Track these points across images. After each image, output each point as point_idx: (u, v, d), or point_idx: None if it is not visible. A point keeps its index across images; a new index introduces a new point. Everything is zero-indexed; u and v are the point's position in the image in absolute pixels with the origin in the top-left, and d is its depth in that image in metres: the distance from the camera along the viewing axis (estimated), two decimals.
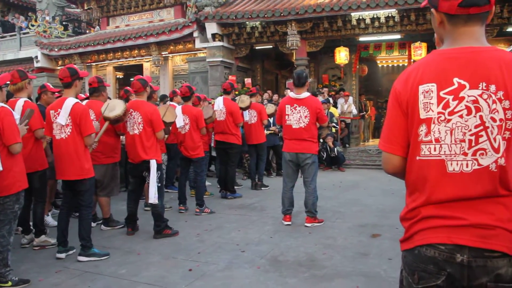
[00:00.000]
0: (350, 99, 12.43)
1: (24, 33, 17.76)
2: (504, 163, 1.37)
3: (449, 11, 1.44)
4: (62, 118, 4.09)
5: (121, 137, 5.51)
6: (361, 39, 12.85)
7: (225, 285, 3.51)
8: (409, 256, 1.49)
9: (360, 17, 11.39)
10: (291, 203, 5.42)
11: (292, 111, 5.20)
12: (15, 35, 18.05)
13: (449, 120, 1.40)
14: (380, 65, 16.48)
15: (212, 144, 7.79)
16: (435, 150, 1.43)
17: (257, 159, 8.10)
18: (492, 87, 1.37)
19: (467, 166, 1.39)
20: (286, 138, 5.36)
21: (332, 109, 11.28)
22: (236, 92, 10.89)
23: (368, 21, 11.34)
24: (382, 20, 11.20)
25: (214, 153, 8.10)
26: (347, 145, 11.98)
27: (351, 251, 4.30)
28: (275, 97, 11.48)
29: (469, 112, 1.38)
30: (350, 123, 12.24)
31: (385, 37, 12.46)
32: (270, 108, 8.45)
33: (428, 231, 1.43)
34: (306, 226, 5.24)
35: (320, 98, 10.91)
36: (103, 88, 5.33)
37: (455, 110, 1.40)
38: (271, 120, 8.72)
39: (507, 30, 11.02)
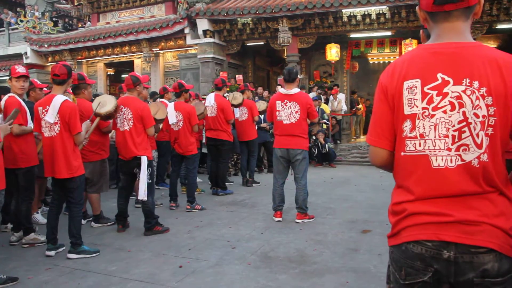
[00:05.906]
0: (340, 95, 12.43)
1: (13, 29, 17.53)
2: (487, 159, 1.36)
3: (426, 9, 1.46)
4: (50, 116, 4.04)
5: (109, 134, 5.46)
6: (352, 35, 12.89)
7: (215, 282, 3.51)
8: (396, 252, 1.49)
9: (351, 14, 11.41)
10: (282, 200, 5.43)
11: (283, 107, 5.21)
12: (3, 30, 17.80)
13: (433, 116, 1.41)
14: (371, 62, 16.52)
15: (204, 141, 7.78)
16: (420, 145, 1.43)
17: (248, 155, 8.10)
18: (476, 83, 1.37)
19: (451, 162, 1.39)
20: (277, 134, 5.36)
21: (323, 106, 11.31)
22: (228, 89, 10.87)
23: (359, 17, 11.37)
24: (373, 16, 11.25)
25: (205, 150, 8.08)
26: (338, 142, 12.04)
27: (342, 247, 4.32)
28: (266, 93, 11.47)
29: (453, 108, 1.39)
30: (341, 119, 12.27)
31: (376, 33, 12.51)
32: (262, 105, 8.46)
33: (415, 228, 1.43)
34: (296, 222, 5.25)
35: (312, 95, 10.95)
36: (84, 86, 5.13)
37: (439, 105, 1.40)
38: (262, 116, 8.72)
39: (497, 27, 11.09)
